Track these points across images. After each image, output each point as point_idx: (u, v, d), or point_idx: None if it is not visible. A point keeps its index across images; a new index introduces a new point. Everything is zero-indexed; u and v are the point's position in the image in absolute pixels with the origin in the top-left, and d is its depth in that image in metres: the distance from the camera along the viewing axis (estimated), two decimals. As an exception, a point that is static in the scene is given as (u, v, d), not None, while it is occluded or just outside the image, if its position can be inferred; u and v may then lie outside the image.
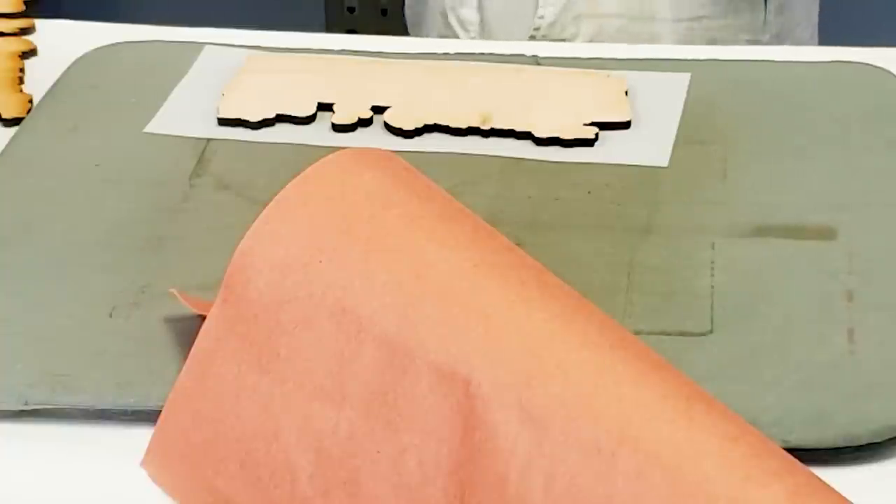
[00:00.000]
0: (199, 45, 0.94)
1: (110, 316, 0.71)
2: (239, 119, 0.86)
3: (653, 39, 1.10)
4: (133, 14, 1.10)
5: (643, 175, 0.81)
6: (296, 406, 0.58)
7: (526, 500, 0.52)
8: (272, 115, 0.86)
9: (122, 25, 0.98)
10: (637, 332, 0.66)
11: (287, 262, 0.60)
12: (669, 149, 0.83)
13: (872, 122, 0.84)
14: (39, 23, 0.99)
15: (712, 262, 0.74)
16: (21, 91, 0.92)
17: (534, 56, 0.92)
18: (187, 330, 0.68)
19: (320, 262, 0.59)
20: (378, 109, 0.87)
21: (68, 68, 0.92)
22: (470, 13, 1.17)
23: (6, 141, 0.86)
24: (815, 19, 1.17)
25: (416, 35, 1.24)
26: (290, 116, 0.87)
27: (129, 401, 0.66)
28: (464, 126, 0.85)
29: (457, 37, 1.17)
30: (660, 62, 0.90)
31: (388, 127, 0.85)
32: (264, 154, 0.84)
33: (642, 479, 0.51)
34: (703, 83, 0.88)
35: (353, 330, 0.58)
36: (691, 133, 0.84)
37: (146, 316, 0.71)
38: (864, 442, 0.63)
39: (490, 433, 0.53)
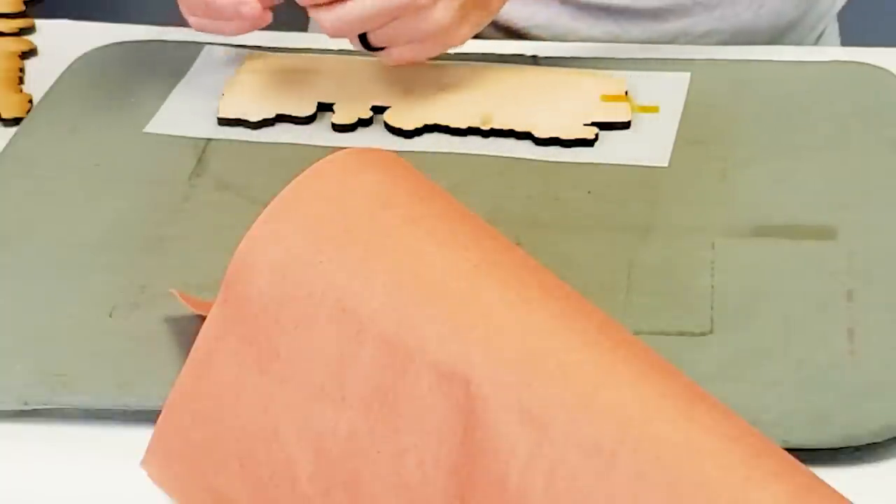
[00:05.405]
0: (199, 45, 0.94)
1: (110, 316, 0.71)
2: (239, 119, 0.86)
3: None
4: (133, 14, 1.09)
5: (643, 175, 0.81)
6: (296, 406, 0.58)
7: (526, 500, 0.52)
8: (272, 115, 0.86)
9: (122, 25, 0.98)
10: (637, 332, 0.66)
11: (287, 262, 0.60)
12: (669, 149, 0.83)
13: (872, 122, 0.84)
14: (39, 23, 0.99)
15: (712, 262, 0.74)
16: (21, 91, 0.92)
17: (534, 56, 0.91)
18: (187, 330, 0.68)
19: (320, 262, 0.59)
20: (378, 109, 0.87)
21: (68, 68, 0.92)
22: None
23: (6, 141, 0.86)
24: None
25: None
26: (290, 116, 0.86)
27: (129, 401, 0.67)
28: (464, 126, 0.85)
29: None
30: (660, 62, 0.90)
31: (388, 127, 0.85)
32: (264, 154, 0.84)
33: (642, 479, 0.51)
34: (703, 83, 0.88)
35: (353, 330, 0.58)
36: (691, 133, 0.84)
37: (146, 316, 0.71)
38: (864, 442, 0.63)
39: (490, 433, 0.53)
